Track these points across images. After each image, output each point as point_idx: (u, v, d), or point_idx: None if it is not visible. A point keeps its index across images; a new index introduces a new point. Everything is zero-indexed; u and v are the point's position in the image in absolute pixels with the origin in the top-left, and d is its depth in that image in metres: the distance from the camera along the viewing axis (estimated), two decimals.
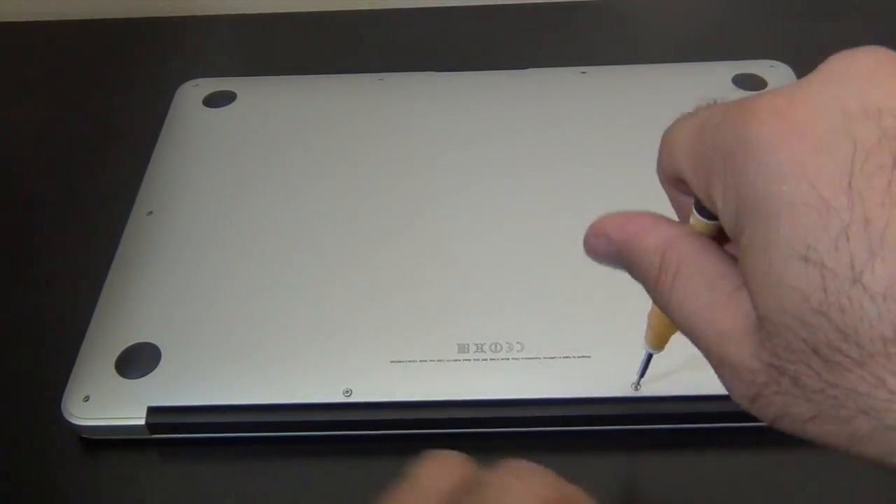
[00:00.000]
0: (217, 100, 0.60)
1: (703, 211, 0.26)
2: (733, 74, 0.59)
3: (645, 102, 0.58)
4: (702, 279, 0.25)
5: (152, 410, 0.42)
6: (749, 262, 0.23)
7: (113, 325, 0.46)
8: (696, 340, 0.25)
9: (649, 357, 0.38)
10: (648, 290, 0.27)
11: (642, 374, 0.40)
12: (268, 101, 0.60)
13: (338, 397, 0.42)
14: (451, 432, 0.42)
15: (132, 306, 0.47)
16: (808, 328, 0.21)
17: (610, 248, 0.28)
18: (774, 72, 0.60)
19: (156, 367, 0.44)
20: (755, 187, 0.22)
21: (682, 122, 0.26)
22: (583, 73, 0.61)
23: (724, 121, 0.24)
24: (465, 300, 0.46)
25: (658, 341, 0.35)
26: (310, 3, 0.72)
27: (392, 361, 0.43)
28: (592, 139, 0.55)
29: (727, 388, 0.24)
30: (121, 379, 0.43)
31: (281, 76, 0.63)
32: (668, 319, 0.26)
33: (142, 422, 0.42)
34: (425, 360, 0.43)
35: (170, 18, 0.73)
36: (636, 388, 0.41)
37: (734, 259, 0.25)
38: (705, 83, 0.59)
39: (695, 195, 0.26)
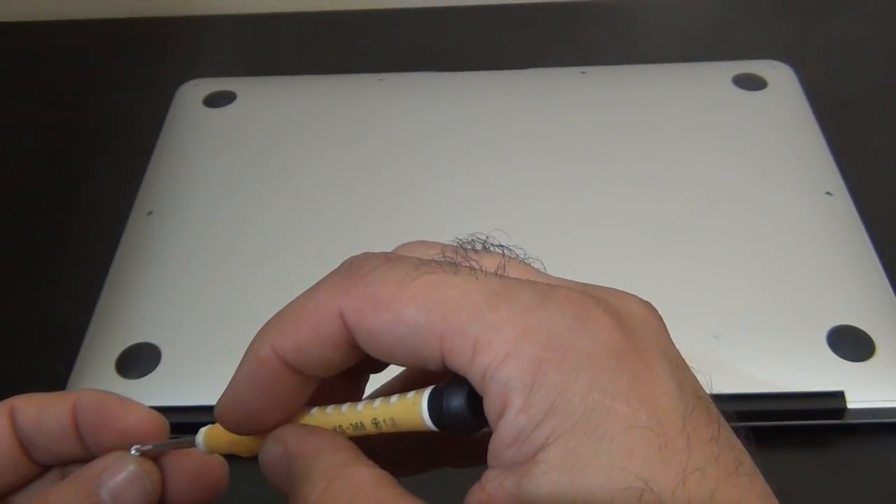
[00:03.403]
0: (217, 100, 0.60)
1: (435, 409, 0.23)
2: (733, 74, 0.59)
3: (645, 102, 0.58)
4: None
5: None
6: (558, 476, 0.21)
7: (113, 325, 0.46)
8: None
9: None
10: None
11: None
12: (268, 101, 0.60)
13: None
14: None
15: (132, 306, 0.47)
16: None
17: (282, 457, 0.25)
18: (774, 72, 0.60)
19: (156, 367, 0.44)
20: (589, 398, 0.21)
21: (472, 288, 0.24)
22: (583, 73, 0.61)
23: (571, 318, 0.22)
24: None
25: (219, 446, 0.28)
26: (310, 3, 0.72)
27: None
28: (592, 139, 0.55)
29: None
30: (121, 379, 0.43)
31: (281, 76, 0.63)
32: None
33: None
34: None
35: (170, 18, 0.73)
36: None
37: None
38: (705, 83, 0.59)
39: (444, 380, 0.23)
